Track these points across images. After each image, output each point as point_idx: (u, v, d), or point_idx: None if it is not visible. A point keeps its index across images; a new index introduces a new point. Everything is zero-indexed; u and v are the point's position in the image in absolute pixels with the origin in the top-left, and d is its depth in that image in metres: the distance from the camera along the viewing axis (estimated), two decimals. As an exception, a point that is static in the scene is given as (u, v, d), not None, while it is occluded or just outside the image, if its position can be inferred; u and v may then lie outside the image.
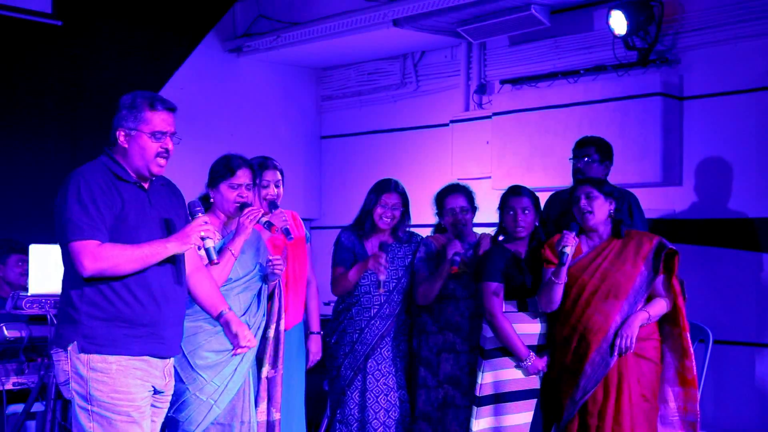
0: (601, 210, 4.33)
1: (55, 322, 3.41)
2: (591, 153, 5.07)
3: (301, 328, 4.72)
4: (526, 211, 4.50)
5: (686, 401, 4.32)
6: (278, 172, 4.57)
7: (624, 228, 4.36)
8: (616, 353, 4.18)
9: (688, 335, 4.32)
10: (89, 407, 3.29)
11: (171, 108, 3.44)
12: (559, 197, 5.08)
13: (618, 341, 4.18)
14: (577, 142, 5.18)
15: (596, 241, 4.37)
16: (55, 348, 3.38)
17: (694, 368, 4.31)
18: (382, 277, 4.64)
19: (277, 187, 4.55)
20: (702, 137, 5.85)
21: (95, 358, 3.28)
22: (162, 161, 3.41)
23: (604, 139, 5.15)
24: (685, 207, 5.86)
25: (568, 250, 4.20)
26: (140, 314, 3.34)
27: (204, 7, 7.40)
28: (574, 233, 4.26)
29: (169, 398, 3.53)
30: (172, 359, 3.52)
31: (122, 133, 3.39)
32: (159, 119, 3.39)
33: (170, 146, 3.42)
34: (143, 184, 3.44)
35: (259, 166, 4.51)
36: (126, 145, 3.40)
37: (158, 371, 3.42)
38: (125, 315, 3.32)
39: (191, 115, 7.23)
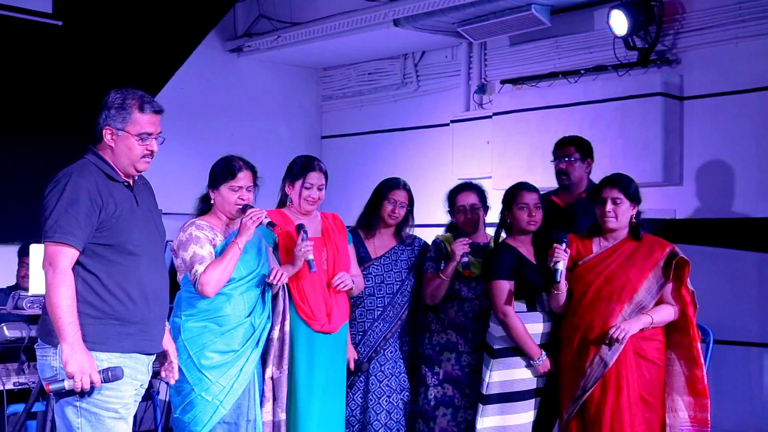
0: (625, 216, 4.29)
1: (42, 318, 3.39)
2: (572, 152, 5.08)
3: (346, 329, 4.58)
4: (538, 207, 4.50)
5: (697, 411, 4.27)
6: (323, 175, 4.48)
7: (642, 231, 4.33)
8: (606, 341, 4.16)
9: (699, 345, 4.27)
10: (78, 403, 3.30)
11: (159, 110, 3.47)
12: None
13: (612, 331, 4.15)
14: (556, 143, 5.20)
15: (610, 242, 4.34)
16: (42, 344, 3.39)
17: (705, 378, 4.26)
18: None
19: (320, 190, 4.47)
20: (702, 137, 5.84)
21: None
22: (147, 160, 3.46)
23: (583, 137, 5.17)
24: (685, 207, 5.85)
25: (561, 266, 4.19)
26: (133, 312, 3.38)
27: (204, 7, 7.38)
28: (564, 246, 4.25)
29: (143, 391, 3.56)
30: (154, 356, 3.57)
31: (108, 132, 3.42)
32: (147, 121, 3.42)
33: (155, 148, 3.46)
34: (130, 182, 3.49)
35: (303, 166, 4.47)
36: (112, 144, 3.43)
37: (144, 367, 3.48)
38: (118, 313, 3.35)
39: (191, 115, 7.22)
